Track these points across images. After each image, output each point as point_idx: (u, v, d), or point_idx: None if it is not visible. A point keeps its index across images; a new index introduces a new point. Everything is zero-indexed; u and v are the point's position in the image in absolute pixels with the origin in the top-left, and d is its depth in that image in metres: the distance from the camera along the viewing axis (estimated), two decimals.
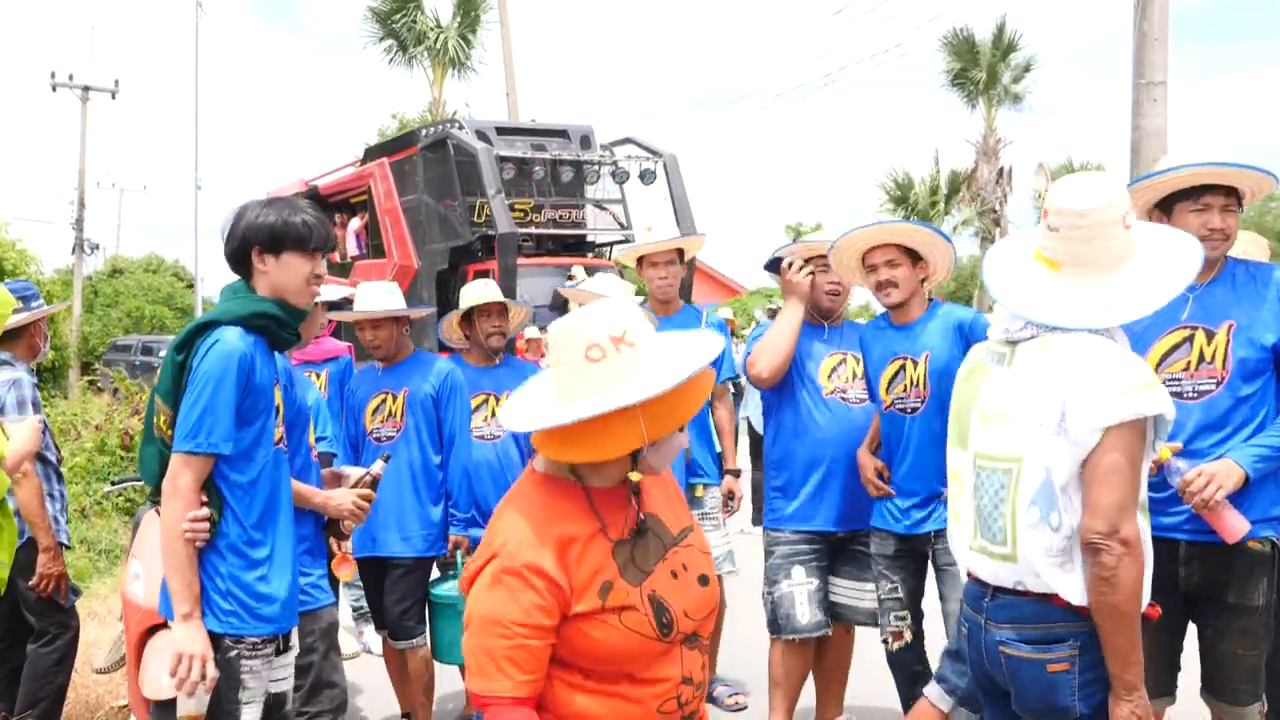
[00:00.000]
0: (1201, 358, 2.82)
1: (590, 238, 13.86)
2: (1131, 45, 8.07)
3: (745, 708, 4.53)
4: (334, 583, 3.66)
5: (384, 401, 4.09)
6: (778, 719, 3.77)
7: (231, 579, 2.45)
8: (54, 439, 4.05)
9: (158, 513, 3.49)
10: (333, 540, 3.38)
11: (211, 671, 2.39)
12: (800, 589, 3.70)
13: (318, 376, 4.37)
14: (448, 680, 4.57)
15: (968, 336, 3.31)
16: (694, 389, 1.84)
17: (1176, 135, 8.32)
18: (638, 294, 5.43)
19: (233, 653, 2.45)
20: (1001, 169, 25.96)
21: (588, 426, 1.78)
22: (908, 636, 3.56)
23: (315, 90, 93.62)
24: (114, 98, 27.10)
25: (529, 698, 1.80)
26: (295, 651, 2.70)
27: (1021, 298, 2.23)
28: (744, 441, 7.53)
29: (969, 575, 2.34)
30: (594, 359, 1.79)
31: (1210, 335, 2.82)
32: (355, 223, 15.51)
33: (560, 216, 13.23)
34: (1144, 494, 2.16)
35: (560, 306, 11.56)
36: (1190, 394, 2.84)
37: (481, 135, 12.91)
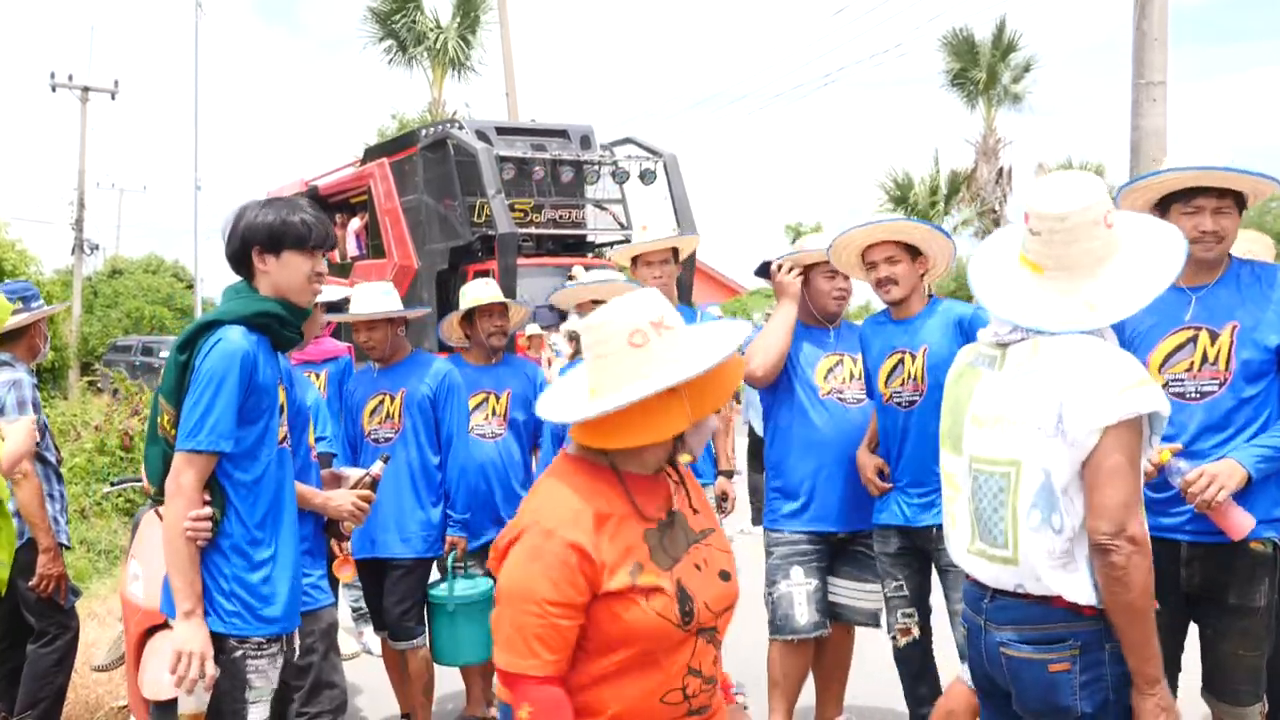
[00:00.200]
0: (1205, 358, 2.82)
1: (590, 238, 13.84)
2: (1131, 45, 8.07)
3: (745, 707, 4.52)
4: (333, 583, 3.66)
5: (382, 402, 4.09)
6: (777, 719, 3.77)
7: (235, 579, 2.45)
8: (54, 439, 4.05)
9: (158, 514, 3.51)
10: (333, 542, 3.38)
11: (211, 669, 2.39)
12: (799, 589, 3.70)
13: (317, 377, 4.37)
14: (448, 681, 4.57)
15: (967, 332, 3.32)
16: (732, 369, 1.91)
17: (1176, 135, 8.33)
18: None
19: (237, 653, 2.46)
20: (1001, 169, 25.95)
21: (636, 411, 1.82)
22: (915, 633, 3.59)
23: (315, 90, 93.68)
24: (114, 98, 27.12)
25: (556, 676, 1.82)
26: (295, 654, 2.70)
27: (1007, 302, 2.24)
28: (743, 443, 7.53)
29: (967, 577, 2.35)
30: (637, 344, 1.84)
31: (1214, 336, 2.82)
32: (355, 223, 15.50)
33: (560, 216, 13.22)
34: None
35: None
36: (1193, 395, 2.84)
37: (481, 135, 12.90)
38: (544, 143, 13.30)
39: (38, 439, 3.69)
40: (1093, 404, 2.06)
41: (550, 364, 9.01)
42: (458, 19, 26.08)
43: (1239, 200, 2.83)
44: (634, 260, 4.33)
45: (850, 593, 3.83)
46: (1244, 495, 2.71)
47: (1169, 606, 2.75)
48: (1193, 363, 2.84)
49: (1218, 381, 2.81)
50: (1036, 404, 2.14)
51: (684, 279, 10.97)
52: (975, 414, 2.29)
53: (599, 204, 13.77)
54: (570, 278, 10.84)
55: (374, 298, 4.11)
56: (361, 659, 5.27)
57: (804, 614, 3.68)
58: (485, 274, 10.51)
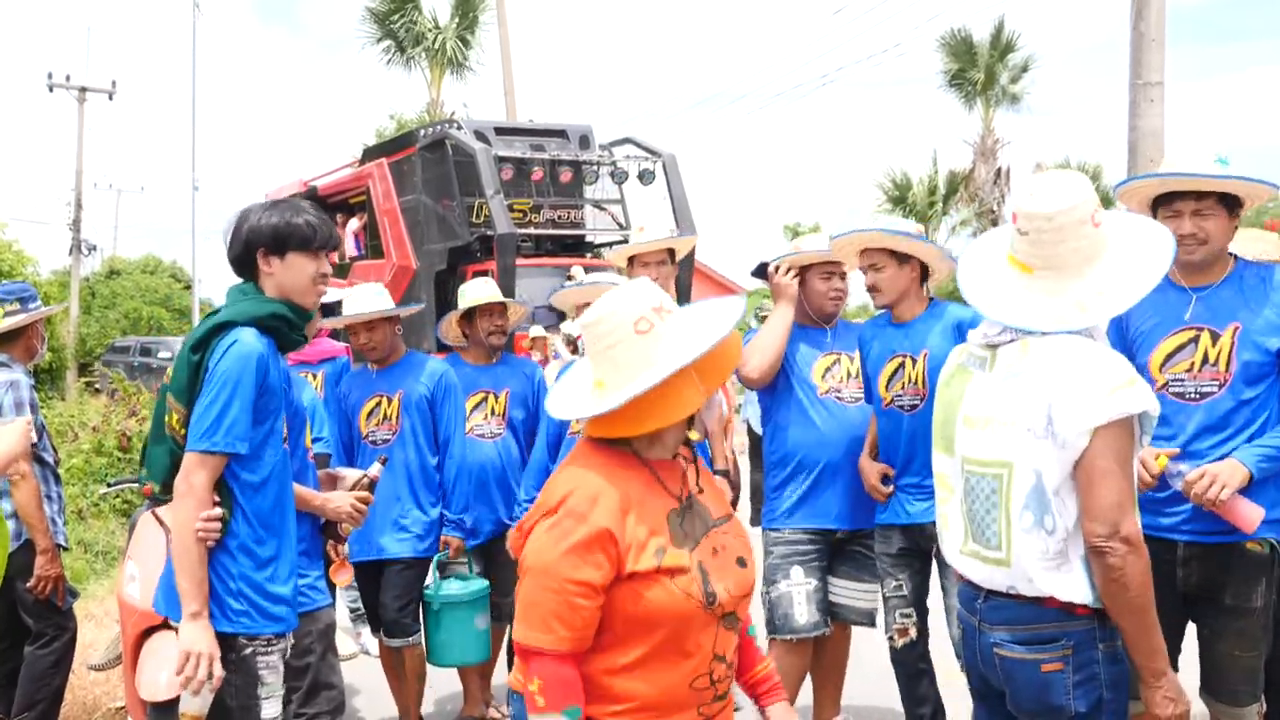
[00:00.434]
0: (1205, 359, 2.82)
1: (589, 238, 13.83)
2: (1128, 46, 8.07)
3: (740, 708, 4.52)
4: (330, 585, 3.66)
5: (379, 404, 4.08)
6: None
7: (243, 579, 2.46)
8: (51, 440, 4.04)
9: (154, 514, 3.51)
10: (329, 546, 3.38)
11: (218, 670, 2.39)
12: (799, 589, 3.70)
13: (314, 377, 4.36)
14: (448, 682, 4.57)
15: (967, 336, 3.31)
16: (734, 342, 1.97)
17: (1175, 135, 8.33)
18: None
19: (248, 650, 2.47)
20: (999, 169, 25.97)
21: (654, 395, 1.86)
22: (913, 633, 3.60)
23: (313, 91, 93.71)
24: (111, 98, 27.14)
25: (571, 654, 1.85)
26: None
27: (995, 302, 2.24)
28: (743, 442, 7.53)
29: (962, 578, 2.35)
30: (643, 331, 1.89)
31: (1215, 337, 2.81)
32: (354, 223, 15.48)
33: (559, 217, 13.20)
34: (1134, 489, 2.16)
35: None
36: (1192, 395, 2.83)
37: (480, 135, 12.88)
38: (543, 143, 13.28)
39: (35, 440, 3.69)
40: (1083, 405, 2.06)
41: (546, 364, 8.99)
42: (456, 19, 26.07)
43: (1228, 202, 2.81)
44: (630, 260, 4.33)
45: (848, 592, 3.83)
46: (1244, 495, 2.70)
47: (1166, 606, 2.75)
48: (1193, 363, 2.84)
49: (1217, 383, 2.81)
50: (1027, 405, 2.14)
51: (682, 279, 10.96)
52: (967, 415, 2.29)
53: (598, 204, 13.75)
54: (569, 278, 10.84)
55: (368, 299, 4.08)
56: (359, 660, 5.27)
57: (803, 614, 3.68)
58: (484, 274, 10.48)
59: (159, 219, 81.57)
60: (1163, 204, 2.86)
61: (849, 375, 3.78)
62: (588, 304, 3.96)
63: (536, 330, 9.74)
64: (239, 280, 2.62)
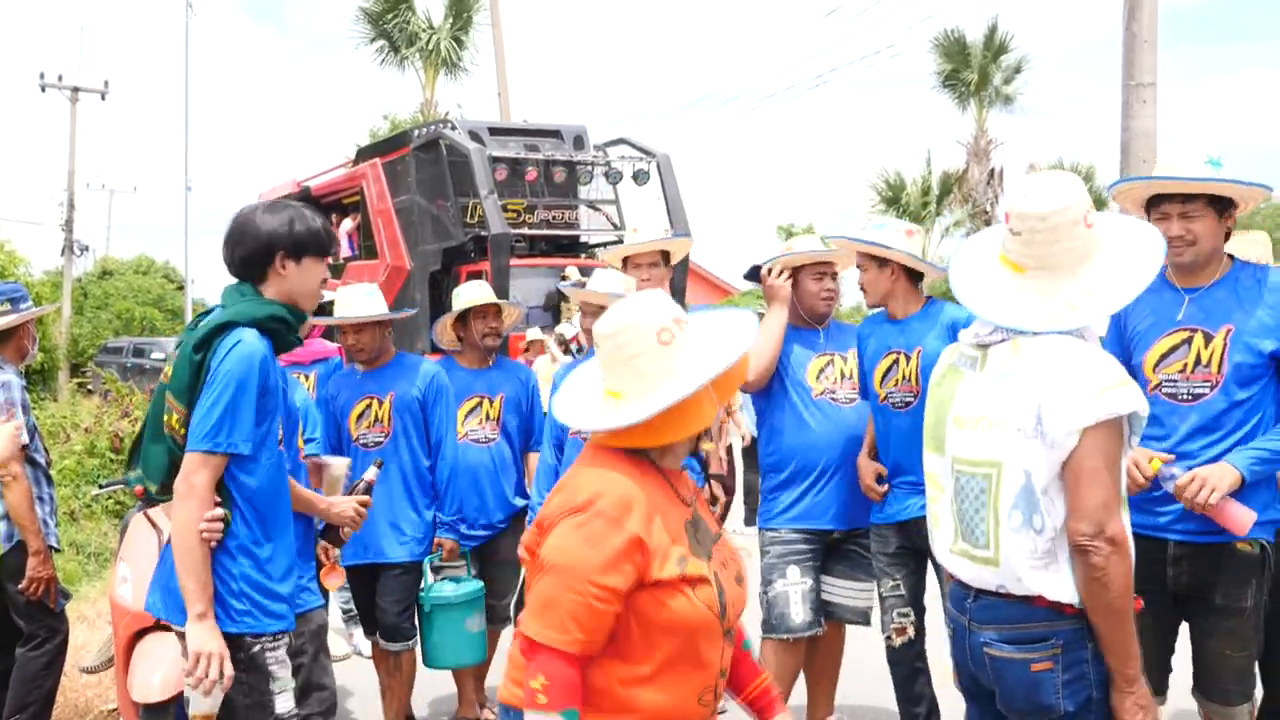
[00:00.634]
0: (1198, 361, 2.82)
1: (584, 238, 13.82)
2: (1121, 47, 8.09)
3: (724, 711, 4.52)
4: (322, 588, 3.65)
5: (369, 406, 4.04)
6: None
7: (244, 579, 2.46)
8: (43, 442, 4.03)
9: (146, 516, 3.50)
10: (320, 550, 3.39)
11: (229, 670, 2.39)
12: (795, 589, 3.72)
13: (306, 378, 4.35)
14: (442, 684, 4.57)
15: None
16: (745, 355, 1.98)
17: (1167, 136, 8.36)
18: None
19: (256, 648, 2.47)
20: (993, 170, 26.01)
21: (673, 408, 1.86)
22: (910, 632, 3.62)
23: (306, 91, 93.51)
24: (103, 98, 27.06)
25: (579, 656, 1.83)
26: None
27: (987, 302, 2.25)
28: (736, 444, 7.53)
29: (952, 578, 2.35)
30: (665, 342, 1.90)
31: (1208, 339, 2.82)
32: (348, 224, 15.45)
33: (553, 217, 13.19)
34: (1123, 489, 2.17)
35: (554, 308, 11.52)
36: (1185, 396, 2.84)
37: (474, 136, 12.86)
38: (537, 143, 13.27)
39: (26, 441, 3.68)
40: (1072, 405, 2.07)
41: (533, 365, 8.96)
42: (450, 19, 26.03)
43: (1217, 203, 2.81)
44: (624, 262, 4.32)
45: (843, 591, 3.84)
46: (1235, 498, 2.70)
47: (1157, 605, 2.76)
48: (1186, 364, 2.84)
49: (1209, 384, 2.81)
50: (1017, 405, 2.15)
51: (677, 281, 10.96)
52: (957, 415, 2.30)
53: (592, 204, 13.75)
54: (563, 278, 10.85)
55: (359, 300, 4.03)
56: (352, 661, 5.26)
57: (799, 613, 3.69)
58: (478, 275, 10.48)
59: (152, 219, 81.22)
60: (1152, 206, 2.87)
61: (843, 376, 3.80)
62: (589, 303, 3.98)
63: (534, 333, 9.72)
64: (234, 281, 2.61)
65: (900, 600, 3.60)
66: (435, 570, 4.05)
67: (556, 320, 10.59)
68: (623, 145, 13.77)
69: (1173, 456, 2.77)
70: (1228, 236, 2.89)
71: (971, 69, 26.04)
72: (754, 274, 3.91)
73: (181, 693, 2.68)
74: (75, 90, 26.52)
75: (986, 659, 2.23)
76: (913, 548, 3.56)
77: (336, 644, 4.94)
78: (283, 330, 2.56)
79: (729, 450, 7.26)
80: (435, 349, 5.17)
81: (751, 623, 3.72)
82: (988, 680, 2.26)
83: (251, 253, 2.55)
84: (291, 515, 2.64)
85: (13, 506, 3.61)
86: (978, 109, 26.49)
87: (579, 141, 13.70)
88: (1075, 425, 2.06)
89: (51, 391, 19.16)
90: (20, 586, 3.70)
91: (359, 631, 5.30)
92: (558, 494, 1.95)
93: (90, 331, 26.79)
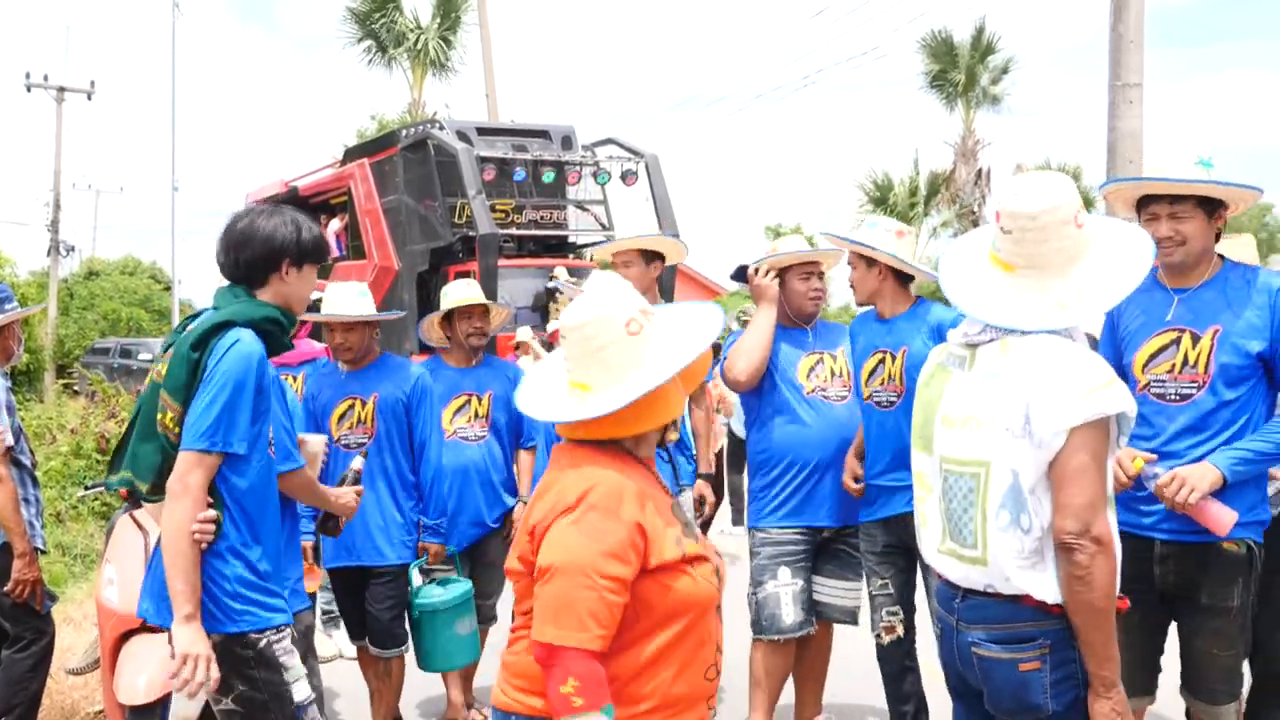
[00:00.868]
0: (1186, 361, 2.83)
1: (572, 238, 13.82)
2: (1107, 47, 8.13)
3: (713, 711, 4.53)
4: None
5: (352, 407, 3.97)
6: (758, 718, 3.78)
7: (238, 580, 2.44)
8: (29, 443, 4.00)
9: (132, 517, 3.49)
10: (305, 546, 3.38)
11: (215, 672, 2.38)
12: (785, 589, 3.73)
13: (294, 380, 4.33)
14: (432, 684, 4.56)
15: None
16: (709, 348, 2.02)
17: (1153, 136, 8.40)
18: None
19: (262, 643, 2.46)
20: (980, 170, 26.07)
21: (645, 398, 1.88)
22: (899, 631, 3.63)
23: (294, 91, 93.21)
24: (90, 98, 26.91)
25: (601, 652, 1.84)
26: None
27: (977, 301, 2.26)
28: (723, 444, 7.53)
29: (939, 577, 2.36)
30: (634, 332, 1.92)
31: (1196, 339, 2.83)
32: (335, 224, 15.41)
33: (542, 217, 13.18)
34: (1110, 489, 2.18)
35: (542, 308, 11.52)
36: (1173, 396, 2.85)
37: (462, 136, 12.84)
38: (525, 143, 13.25)
39: (12, 442, 3.66)
40: (1059, 405, 2.08)
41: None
42: (438, 19, 25.98)
43: (1207, 204, 2.82)
44: (614, 261, 4.32)
45: (832, 591, 3.85)
46: (1222, 498, 2.71)
47: (1145, 604, 2.77)
48: (1174, 365, 2.85)
49: (1196, 385, 2.82)
50: (1005, 405, 2.16)
51: (665, 281, 10.95)
52: (945, 414, 2.30)
53: (580, 205, 13.73)
54: (552, 278, 10.84)
55: (349, 299, 3.99)
56: (338, 662, 5.24)
57: (790, 613, 3.70)
58: (466, 275, 10.46)
59: (138, 220, 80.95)
60: (1142, 206, 2.88)
61: (832, 374, 3.82)
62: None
63: (524, 333, 9.71)
64: (226, 283, 2.60)
65: (889, 599, 3.62)
66: (424, 573, 4.03)
67: (545, 320, 10.58)
68: (611, 145, 13.77)
69: (1155, 456, 2.78)
70: (1218, 238, 2.90)
71: (959, 69, 26.11)
72: (741, 274, 3.92)
73: (168, 695, 2.67)
74: (61, 90, 26.36)
75: (974, 659, 2.23)
76: (901, 546, 3.57)
77: (324, 646, 4.92)
78: (276, 333, 2.56)
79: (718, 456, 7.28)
80: (424, 348, 5.15)
81: (735, 622, 3.74)
82: (975, 680, 2.26)
83: (259, 257, 2.55)
84: (279, 517, 2.64)
85: None
86: (965, 109, 26.56)
87: (567, 142, 13.70)
88: (1063, 425, 2.07)
89: (37, 393, 19.05)
90: (6, 589, 3.67)
91: (338, 633, 5.28)
92: (541, 499, 1.95)
93: (76, 332, 26.63)
